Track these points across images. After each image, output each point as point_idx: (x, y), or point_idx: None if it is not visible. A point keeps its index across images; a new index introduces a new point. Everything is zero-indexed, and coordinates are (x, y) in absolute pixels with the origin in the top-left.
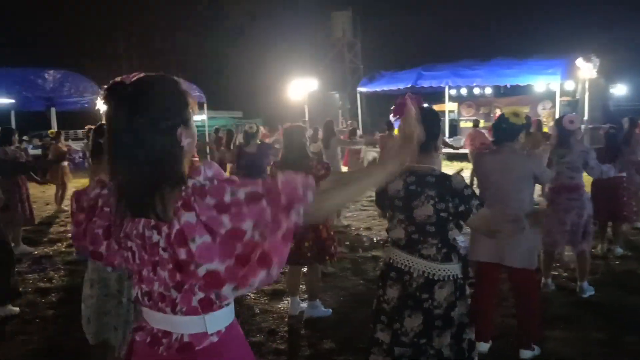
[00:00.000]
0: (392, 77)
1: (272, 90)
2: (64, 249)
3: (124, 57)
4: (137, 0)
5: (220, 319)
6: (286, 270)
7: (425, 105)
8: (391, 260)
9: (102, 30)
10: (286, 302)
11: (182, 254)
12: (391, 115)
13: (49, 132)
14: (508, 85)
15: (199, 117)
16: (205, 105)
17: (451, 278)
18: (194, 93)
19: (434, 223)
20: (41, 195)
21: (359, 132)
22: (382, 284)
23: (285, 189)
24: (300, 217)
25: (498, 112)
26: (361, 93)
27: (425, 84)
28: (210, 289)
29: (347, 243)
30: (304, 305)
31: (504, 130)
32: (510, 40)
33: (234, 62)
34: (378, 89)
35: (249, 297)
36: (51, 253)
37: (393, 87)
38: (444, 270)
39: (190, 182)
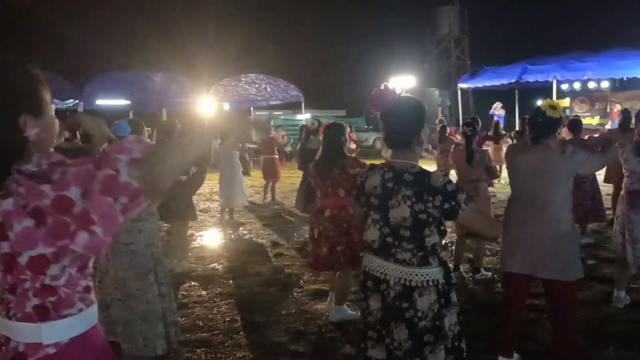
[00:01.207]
0: (495, 72)
1: (373, 89)
2: None
3: (225, 58)
4: (241, 3)
5: (62, 330)
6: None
7: (407, 95)
8: (367, 269)
9: (209, 33)
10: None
11: (5, 247)
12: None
13: None
14: (624, 78)
15: (301, 117)
16: (302, 105)
17: (431, 284)
18: (292, 92)
19: (409, 227)
20: None
21: (455, 128)
22: (363, 296)
23: (112, 149)
24: (132, 176)
25: (618, 107)
26: (462, 89)
27: (531, 78)
28: (37, 275)
29: None
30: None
31: (540, 125)
32: (624, 30)
33: (337, 61)
34: (480, 85)
35: (290, 296)
36: None
37: (496, 83)
38: (422, 275)
39: (14, 171)
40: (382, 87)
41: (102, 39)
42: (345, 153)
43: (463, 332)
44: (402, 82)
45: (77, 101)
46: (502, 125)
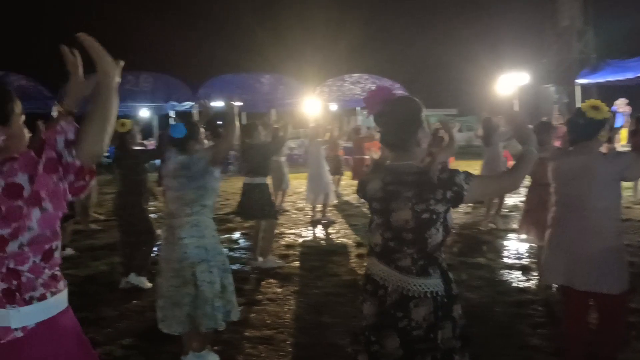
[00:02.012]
0: (618, 66)
1: (485, 86)
2: None
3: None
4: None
5: (29, 315)
6: None
7: (403, 95)
8: (369, 272)
9: (316, 35)
10: None
11: None
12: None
13: None
14: None
15: None
16: None
17: (429, 295)
18: (398, 91)
19: (411, 229)
20: None
21: None
22: (361, 299)
23: (49, 134)
24: (72, 155)
25: None
26: (584, 85)
27: None
28: None
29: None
30: None
31: (581, 127)
32: None
33: (447, 58)
34: (602, 80)
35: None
36: None
37: (620, 77)
38: (420, 286)
39: None
40: (375, 87)
41: (216, 43)
42: None
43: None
44: (514, 79)
45: (192, 103)
46: (623, 124)
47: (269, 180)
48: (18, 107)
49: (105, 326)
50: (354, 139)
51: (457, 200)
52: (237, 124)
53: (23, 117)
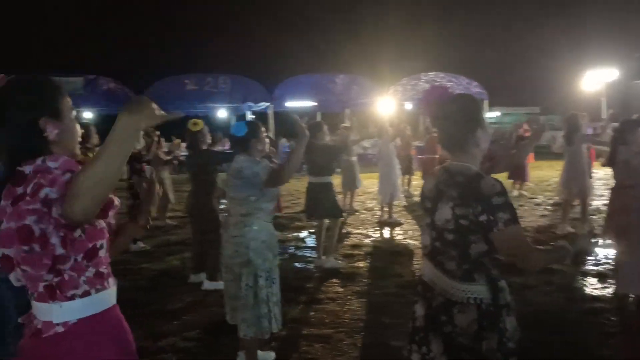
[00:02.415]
0: None
1: (568, 83)
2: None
3: (406, 58)
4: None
5: (71, 311)
6: None
7: (460, 93)
8: (421, 273)
9: (391, 33)
10: None
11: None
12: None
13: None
14: None
15: (488, 115)
16: (485, 103)
17: (472, 302)
18: (474, 90)
19: (452, 230)
20: None
21: None
22: (414, 300)
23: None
24: (62, 208)
25: None
26: None
27: None
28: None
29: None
30: None
31: None
32: None
33: (529, 55)
34: None
35: None
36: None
37: None
38: (464, 292)
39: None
40: (430, 87)
41: (291, 44)
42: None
43: None
44: (601, 75)
45: (268, 104)
46: None
47: (336, 180)
48: (67, 102)
49: (172, 319)
50: (426, 138)
51: (485, 229)
52: (301, 153)
53: (74, 113)
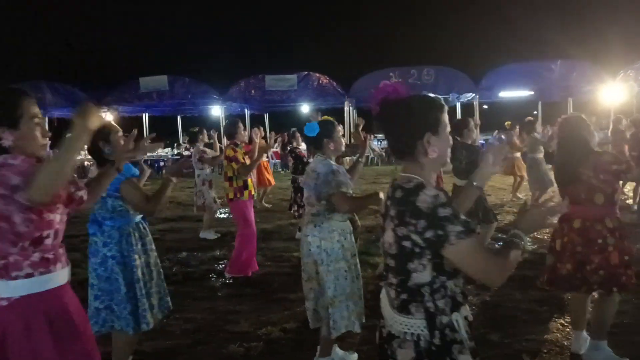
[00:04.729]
0: None
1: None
2: None
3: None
4: None
5: (15, 288)
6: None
7: (418, 93)
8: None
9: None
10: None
11: None
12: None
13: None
14: None
15: None
16: None
17: (408, 338)
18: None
19: (393, 255)
20: None
21: None
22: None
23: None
24: (21, 195)
25: None
26: None
27: None
28: None
29: None
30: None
31: None
32: None
33: None
34: None
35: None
36: None
37: None
38: (401, 325)
39: None
40: (383, 83)
41: (496, 32)
42: (587, 149)
43: None
44: None
45: (473, 94)
46: None
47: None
48: (31, 110)
49: (284, 308)
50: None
51: (435, 246)
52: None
53: (37, 120)
